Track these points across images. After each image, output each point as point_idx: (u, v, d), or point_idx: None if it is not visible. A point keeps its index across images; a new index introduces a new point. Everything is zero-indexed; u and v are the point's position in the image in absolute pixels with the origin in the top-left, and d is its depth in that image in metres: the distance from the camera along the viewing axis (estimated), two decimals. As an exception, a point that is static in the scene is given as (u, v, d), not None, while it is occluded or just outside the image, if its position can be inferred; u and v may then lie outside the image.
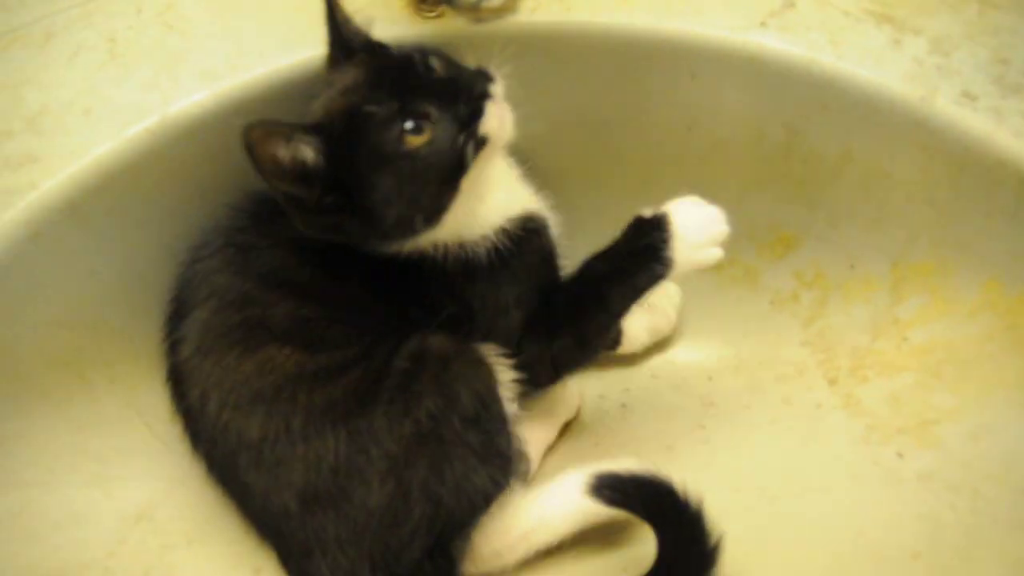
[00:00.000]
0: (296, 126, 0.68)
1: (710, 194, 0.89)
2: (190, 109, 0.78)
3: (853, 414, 0.88)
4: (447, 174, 0.70)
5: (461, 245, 0.76)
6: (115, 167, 0.76)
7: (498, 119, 0.71)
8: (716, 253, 0.75)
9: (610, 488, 0.75)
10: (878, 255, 0.88)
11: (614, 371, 0.97)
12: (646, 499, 0.74)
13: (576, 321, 0.77)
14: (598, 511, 0.76)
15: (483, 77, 0.72)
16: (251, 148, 0.65)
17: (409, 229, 0.72)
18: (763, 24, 0.81)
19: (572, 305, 0.77)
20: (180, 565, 0.81)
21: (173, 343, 0.76)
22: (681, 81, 0.84)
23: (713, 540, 0.71)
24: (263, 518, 0.75)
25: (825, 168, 0.85)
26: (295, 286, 0.75)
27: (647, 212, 0.75)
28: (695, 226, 0.74)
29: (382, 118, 0.68)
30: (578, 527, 0.77)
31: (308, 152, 0.68)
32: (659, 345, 0.97)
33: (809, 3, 0.82)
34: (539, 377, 0.79)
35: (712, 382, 0.95)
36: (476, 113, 0.70)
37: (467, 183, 0.71)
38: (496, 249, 0.76)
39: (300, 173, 0.68)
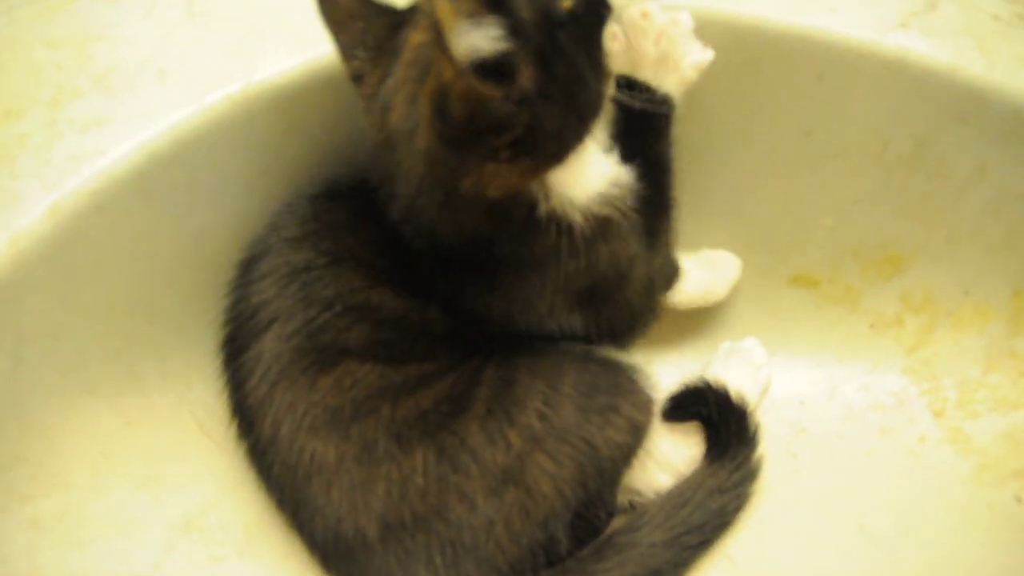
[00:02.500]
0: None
1: (819, 206, 0.84)
2: (277, 78, 0.71)
3: (961, 451, 0.82)
4: (598, 37, 0.64)
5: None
6: (191, 136, 0.69)
7: None
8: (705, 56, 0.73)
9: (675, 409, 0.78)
10: (1000, 282, 0.82)
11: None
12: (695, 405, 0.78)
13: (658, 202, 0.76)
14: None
15: None
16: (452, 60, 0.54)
17: (595, 118, 0.65)
18: (904, 25, 0.74)
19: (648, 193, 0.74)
20: (230, 580, 0.73)
21: (235, 375, 0.70)
22: (806, 82, 0.77)
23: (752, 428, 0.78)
24: (332, 549, 0.68)
25: (952, 184, 0.79)
26: (366, 310, 0.69)
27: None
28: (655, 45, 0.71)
29: None
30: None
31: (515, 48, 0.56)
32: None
33: (953, 5, 0.76)
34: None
35: (804, 407, 0.89)
36: None
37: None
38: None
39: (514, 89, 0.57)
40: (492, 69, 0.55)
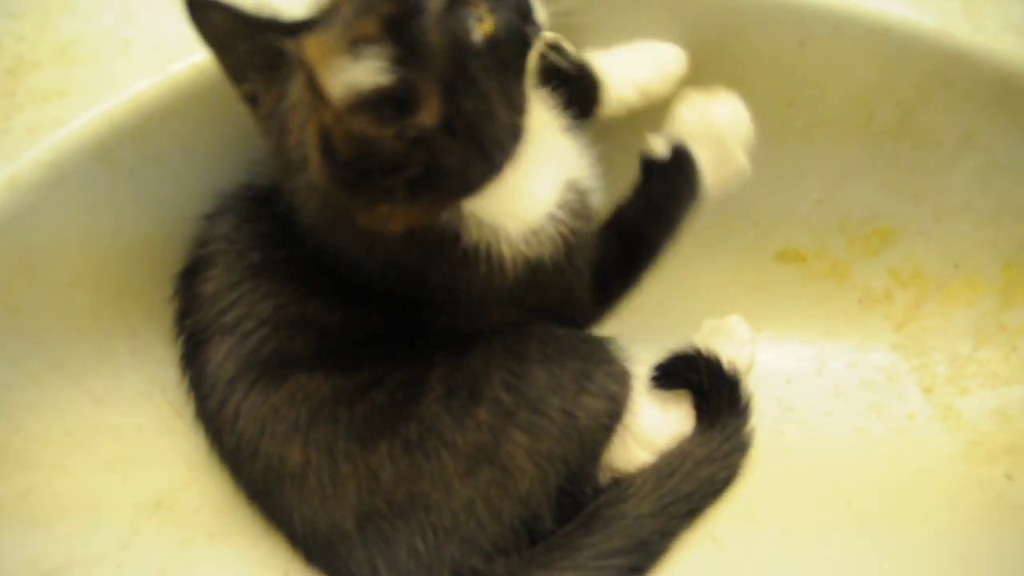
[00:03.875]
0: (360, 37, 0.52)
1: (805, 179, 0.82)
2: (242, 47, 0.68)
3: (952, 428, 0.81)
4: (520, 66, 0.60)
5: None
6: (155, 107, 0.68)
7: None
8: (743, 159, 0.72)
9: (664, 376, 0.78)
10: (989, 255, 0.81)
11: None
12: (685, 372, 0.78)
13: (627, 273, 0.74)
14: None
15: None
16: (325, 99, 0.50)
17: (505, 156, 0.60)
18: (887, -12, 0.72)
19: (619, 259, 0.73)
20: (199, 562, 0.72)
21: (194, 385, 0.69)
22: (787, 49, 0.76)
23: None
24: (312, 543, 0.68)
25: (940, 154, 0.78)
26: (303, 323, 0.67)
27: (658, 147, 0.72)
28: (716, 144, 0.71)
29: (439, 9, 0.54)
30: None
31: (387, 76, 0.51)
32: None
33: (939, -34, 0.74)
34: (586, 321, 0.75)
35: (791, 385, 0.88)
36: None
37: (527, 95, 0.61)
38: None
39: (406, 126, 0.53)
40: (381, 103, 0.51)
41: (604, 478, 0.75)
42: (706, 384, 0.77)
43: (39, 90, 0.66)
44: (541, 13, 0.60)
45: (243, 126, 0.70)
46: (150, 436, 0.75)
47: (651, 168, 0.73)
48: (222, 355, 0.65)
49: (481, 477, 0.65)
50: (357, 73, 0.49)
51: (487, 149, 0.57)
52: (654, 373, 0.77)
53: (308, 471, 0.64)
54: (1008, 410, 0.78)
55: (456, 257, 0.63)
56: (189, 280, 0.68)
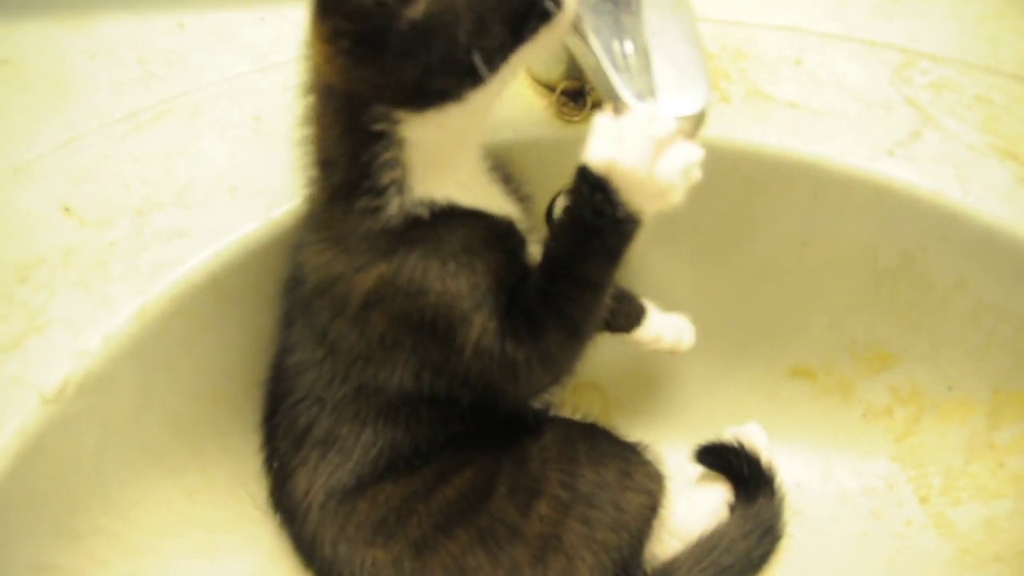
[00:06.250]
0: None
1: (815, 307, 0.92)
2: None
3: (945, 535, 0.89)
4: (518, 14, 0.58)
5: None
6: (259, 246, 0.77)
7: None
8: (688, 163, 0.58)
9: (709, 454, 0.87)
10: (979, 380, 0.90)
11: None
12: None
13: (559, 310, 0.65)
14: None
15: None
16: None
17: (477, 72, 0.58)
18: (890, 153, 0.83)
19: (550, 295, 0.65)
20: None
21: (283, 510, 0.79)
22: (803, 200, 0.86)
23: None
24: None
25: (935, 294, 0.87)
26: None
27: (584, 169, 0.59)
28: (640, 160, 0.56)
29: None
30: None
31: None
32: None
33: (935, 135, 0.85)
34: (533, 383, 0.72)
35: (800, 490, 0.96)
36: None
37: (514, 62, 0.60)
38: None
39: None
40: None
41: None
42: (745, 470, 0.85)
43: (163, 230, 0.77)
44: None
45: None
46: (234, 526, 0.84)
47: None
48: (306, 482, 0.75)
49: (549, 564, 0.72)
50: None
51: (436, 69, 0.57)
52: (698, 450, 0.87)
53: (401, 566, 0.72)
54: (996, 521, 0.87)
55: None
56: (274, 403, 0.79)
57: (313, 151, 0.68)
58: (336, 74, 0.60)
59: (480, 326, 0.65)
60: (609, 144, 0.57)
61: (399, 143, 0.62)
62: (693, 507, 0.86)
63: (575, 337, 0.68)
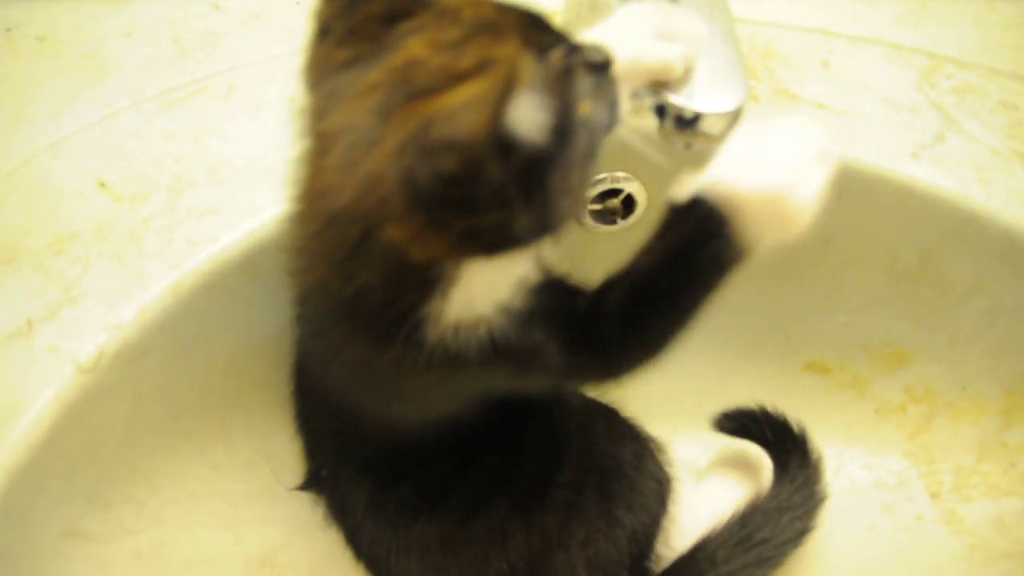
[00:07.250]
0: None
1: (833, 304, 0.93)
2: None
3: (955, 531, 0.90)
4: (596, 152, 0.53)
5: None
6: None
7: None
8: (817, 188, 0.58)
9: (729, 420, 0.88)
10: (994, 380, 0.91)
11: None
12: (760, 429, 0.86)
13: (642, 337, 0.61)
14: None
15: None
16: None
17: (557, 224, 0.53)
18: (914, 155, 0.84)
19: (632, 310, 0.60)
20: (298, 615, 0.82)
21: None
22: (827, 198, 0.87)
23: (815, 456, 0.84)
24: None
25: (953, 294, 0.88)
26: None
27: (692, 192, 0.58)
28: (770, 196, 0.57)
29: (565, 64, 0.49)
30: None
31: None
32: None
33: (959, 139, 0.86)
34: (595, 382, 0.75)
35: (812, 482, 0.97)
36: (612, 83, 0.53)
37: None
38: None
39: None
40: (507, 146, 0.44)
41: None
42: (770, 436, 0.85)
43: (196, 206, 0.78)
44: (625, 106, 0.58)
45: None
46: (256, 499, 0.86)
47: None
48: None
49: (573, 532, 0.75)
50: (533, 111, 0.45)
51: (546, 219, 0.50)
52: (720, 417, 0.88)
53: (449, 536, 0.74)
54: (1006, 519, 0.88)
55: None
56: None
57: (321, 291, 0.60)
58: (423, 251, 0.49)
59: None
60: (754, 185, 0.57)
61: (448, 282, 0.53)
62: (703, 502, 0.87)
63: (656, 355, 0.61)
